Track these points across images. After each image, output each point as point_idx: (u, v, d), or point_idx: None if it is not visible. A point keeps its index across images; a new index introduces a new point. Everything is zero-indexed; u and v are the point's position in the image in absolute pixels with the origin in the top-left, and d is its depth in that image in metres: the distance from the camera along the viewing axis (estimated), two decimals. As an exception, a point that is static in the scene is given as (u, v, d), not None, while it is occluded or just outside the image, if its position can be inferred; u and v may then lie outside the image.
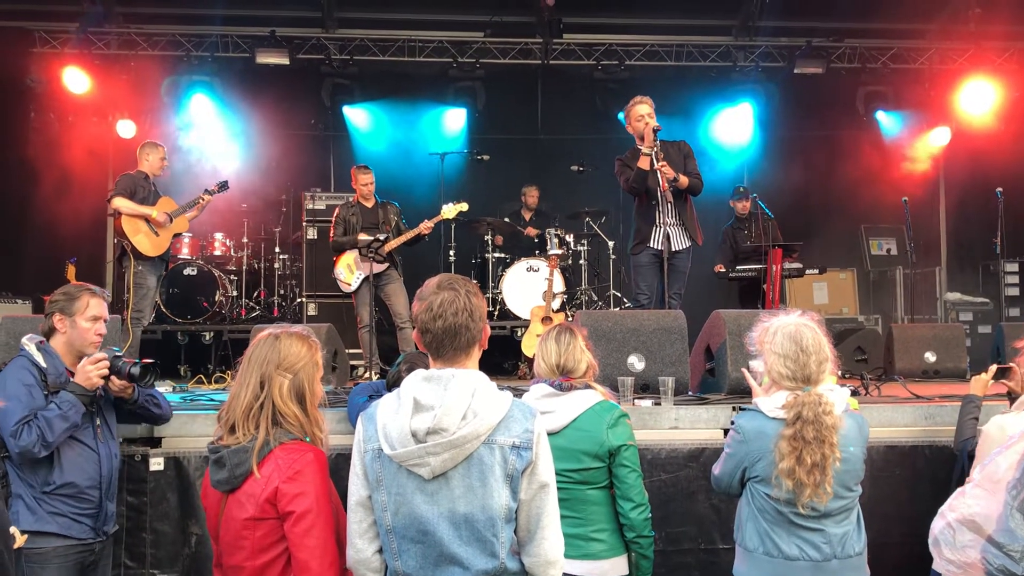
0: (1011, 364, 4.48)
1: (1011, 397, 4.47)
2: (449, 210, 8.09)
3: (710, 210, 10.26)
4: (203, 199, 7.63)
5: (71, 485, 3.61)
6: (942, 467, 4.67)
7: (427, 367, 2.48)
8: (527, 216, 10.26)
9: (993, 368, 4.42)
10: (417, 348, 2.59)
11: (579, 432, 3.36)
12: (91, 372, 3.60)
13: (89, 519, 3.66)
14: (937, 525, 2.42)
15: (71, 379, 3.64)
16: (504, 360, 8.96)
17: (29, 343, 3.73)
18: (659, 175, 6.51)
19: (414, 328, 2.52)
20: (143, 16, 10.61)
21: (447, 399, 2.32)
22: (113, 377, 3.69)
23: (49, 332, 3.77)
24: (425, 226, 7.99)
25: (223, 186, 7.94)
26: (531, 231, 9.95)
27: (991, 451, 3.24)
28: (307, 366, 2.77)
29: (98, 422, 3.77)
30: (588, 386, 3.49)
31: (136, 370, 3.69)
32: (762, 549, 3.12)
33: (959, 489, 2.45)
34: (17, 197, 10.14)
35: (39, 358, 3.67)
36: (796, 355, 3.11)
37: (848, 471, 3.10)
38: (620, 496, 3.39)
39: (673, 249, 6.63)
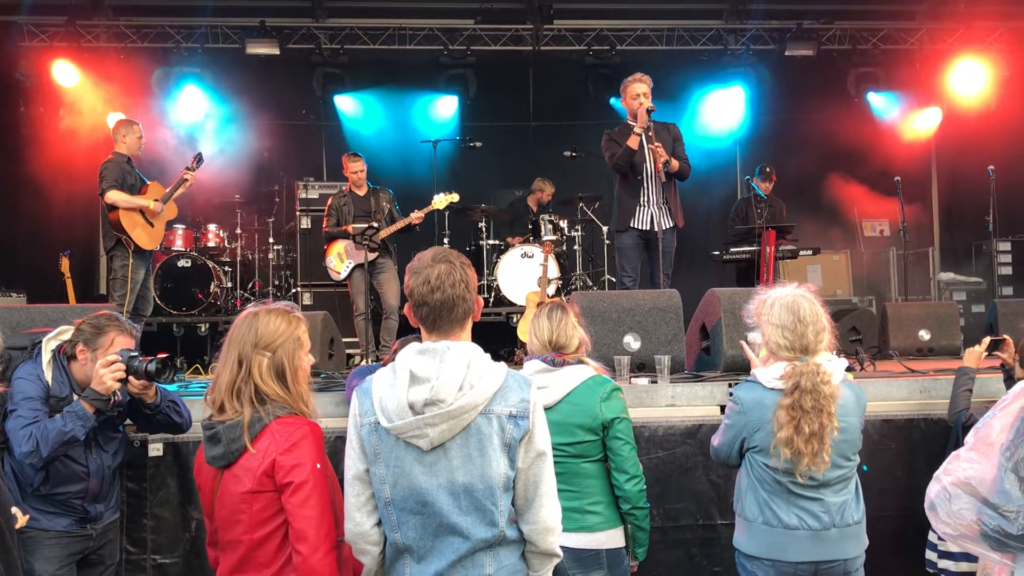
0: (1004, 336, 4.51)
1: (1004, 369, 4.50)
2: (440, 200, 8.11)
3: (700, 191, 10.32)
4: (187, 178, 7.40)
5: (58, 494, 3.59)
6: (937, 440, 4.70)
7: None
8: (534, 208, 10.20)
9: (987, 340, 4.45)
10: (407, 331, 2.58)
11: (573, 406, 3.38)
12: (105, 376, 3.42)
13: (74, 519, 3.65)
14: (933, 489, 2.43)
15: (86, 389, 3.51)
16: (500, 347, 8.97)
17: (48, 350, 3.63)
18: (647, 154, 6.55)
19: (406, 303, 2.52)
20: (132, 8, 10.58)
21: (443, 370, 2.33)
22: (131, 378, 3.50)
23: (72, 355, 3.63)
24: (416, 216, 8.01)
25: (199, 159, 7.68)
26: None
27: None
28: (287, 343, 2.73)
29: (94, 435, 3.63)
30: (580, 361, 3.51)
31: (153, 366, 3.48)
32: (761, 519, 3.15)
33: (954, 453, 2.47)
34: (9, 191, 10.14)
35: (47, 375, 3.59)
36: (794, 325, 3.14)
37: (846, 440, 3.13)
38: (615, 468, 3.41)
39: (656, 229, 6.65)
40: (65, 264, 8.81)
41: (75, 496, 3.63)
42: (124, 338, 3.65)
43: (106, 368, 3.44)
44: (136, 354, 3.53)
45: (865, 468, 4.55)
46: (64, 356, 3.66)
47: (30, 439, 3.39)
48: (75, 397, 3.58)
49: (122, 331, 3.66)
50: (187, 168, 7.50)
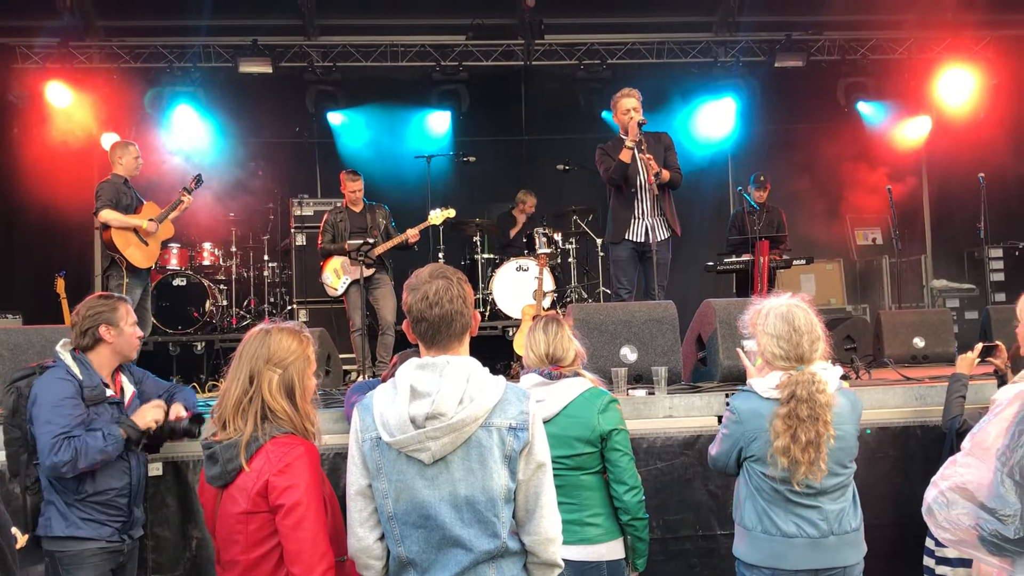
0: (997, 343, 4.54)
1: (997, 375, 4.53)
2: (436, 216, 8.15)
3: (693, 202, 10.37)
4: (184, 199, 7.46)
5: (102, 493, 3.64)
6: (934, 447, 4.71)
7: None
8: (521, 220, 10.26)
9: (979, 346, 4.48)
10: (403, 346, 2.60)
11: (570, 419, 3.40)
12: (149, 417, 3.68)
13: (118, 523, 3.71)
14: (930, 494, 2.46)
15: (124, 413, 3.68)
16: (496, 360, 8.97)
17: (65, 353, 3.70)
18: (640, 166, 6.60)
19: (404, 320, 2.55)
20: (124, 29, 10.59)
21: (443, 385, 2.36)
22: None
23: (92, 345, 3.73)
24: (412, 233, 8.03)
25: (198, 180, 7.75)
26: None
27: None
28: (297, 361, 2.76)
29: None
30: (577, 374, 3.54)
31: (184, 424, 3.78)
32: (760, 527, 3.17)
33: (951, 458, 2.50)
34: (3, 212, 10.14)
35: (76, 370, 3.65)
36: (789, 335, 3.16)
37: (842, 448, 3.15)
38: (614, 480, 3.43)
39: (651, 241, 6.68)
40: (60, 284, 8.81)
41: (120, 494, 3.69)
42: (128, 306, 3.85)
43: (153, 408, 3.70)
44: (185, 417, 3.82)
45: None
46: (82, 356, 3.72)
47: (68, 449, 3.45)
48: (104, 388, 3.70)
49: (124, 300, 3.86)
50: (184, 189, 7.53)
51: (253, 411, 2.68)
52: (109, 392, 3.74)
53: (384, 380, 3.96)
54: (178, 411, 3.90)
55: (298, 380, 2.76)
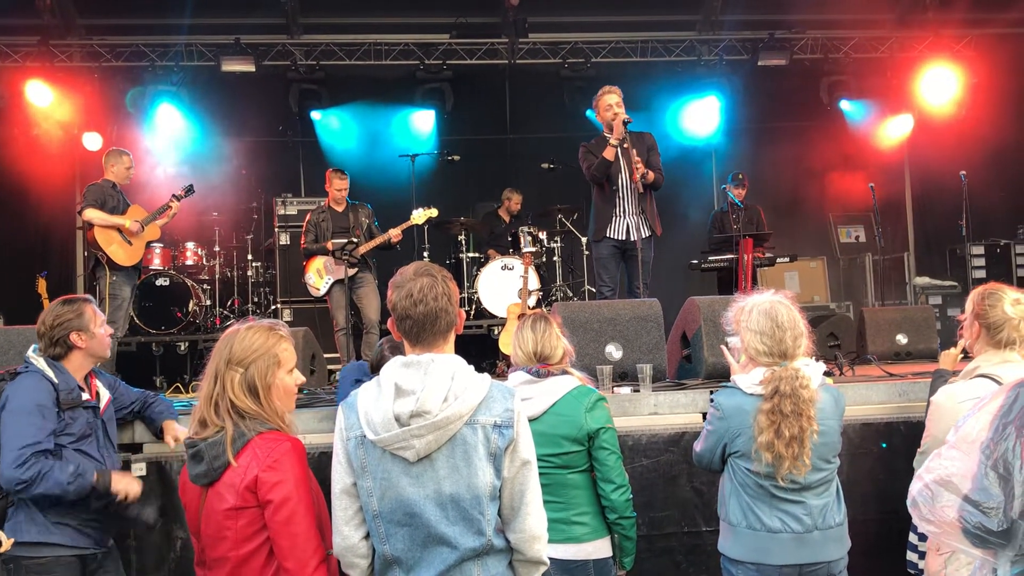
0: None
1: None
2: (419, 216, 8.15)
3: (677, 200, 10.41)
4: (171, 205, 7.55)
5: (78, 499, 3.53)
6: (917, 442, 4.70)
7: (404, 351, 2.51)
8: (507, 219, 10.28)
9: (962, 342, 4.51)
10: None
11: (558, 417, 3.40)
12: (123, 485, 3.57)
13: (93, 530, 3.60)
14: (915, 487, 2.47)
15: (101, 474, 3.53)
16: (482, 359, 8.96)
17: (39, 358, 3.62)
18: (623, 164, 6.60)
19: (389, 318, 2.54)
20: (105, 27, 10.53)
21: (428, 382, 2.36)
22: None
23: (64, 353, 3.65)
24: (395, 233, 8.02)
25: (189, 190, 7.87)
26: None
27: (942, 421, 3.34)
28: (260, 359, 2.72)
29: (101, 435, 3.72)
30: (565, 372, 3.53)
31: (141, 515, 3.69)
32: (745, 523, 3.18)
33: (935, 451, 2.51)
34: (-16, 212, 10.05)
35: (51, 373, 3.57)
36: (772, 331, 3.18)
37: (826, 443, 3.17)
38: (601, 478, 3.43)
39: (634, 238, 6.69)
40: (42, 285, 8.76)
41: (96, 497, 3.56)
42: (93, 306, 3.76)
43: (134, 482, 3.61)
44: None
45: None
46: (57, 363, 3.65)
47: (33, 468, 3.33)
48: (80, 392, 3.62)
49: (88, 302, 3.77)
50: (174, 196, 7.59)
51: (225, 409, 2.67)
52: (85, 396, 3.66)
53: (372, 362, 3.99)
54: (174, 433, 3.99)
55: (260, 379, 2.71)
